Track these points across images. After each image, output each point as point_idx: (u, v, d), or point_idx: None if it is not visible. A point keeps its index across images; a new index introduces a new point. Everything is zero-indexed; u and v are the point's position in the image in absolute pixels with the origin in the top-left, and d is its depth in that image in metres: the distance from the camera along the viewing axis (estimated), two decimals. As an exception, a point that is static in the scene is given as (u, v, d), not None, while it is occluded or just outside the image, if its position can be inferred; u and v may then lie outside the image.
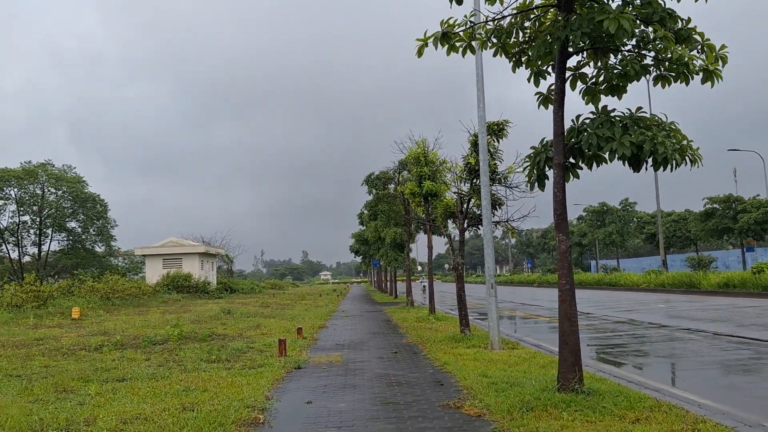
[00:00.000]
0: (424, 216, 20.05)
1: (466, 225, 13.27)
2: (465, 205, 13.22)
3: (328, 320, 20.38)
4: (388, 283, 48.24)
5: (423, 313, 20.98)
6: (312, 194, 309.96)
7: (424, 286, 35.25)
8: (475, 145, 12.85)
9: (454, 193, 13.41)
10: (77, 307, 21.31)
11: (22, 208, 48.90)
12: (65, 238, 51.31)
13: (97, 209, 49.99)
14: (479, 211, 13.41)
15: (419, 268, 79.29)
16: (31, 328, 17.50)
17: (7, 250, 50.09)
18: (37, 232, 50.26)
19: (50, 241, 50.85)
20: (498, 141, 12.94)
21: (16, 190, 48.24)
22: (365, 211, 35.81)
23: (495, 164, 12.62)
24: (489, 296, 11.56)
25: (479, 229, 13.84)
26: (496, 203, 13.08)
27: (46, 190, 49.19)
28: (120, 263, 58.06)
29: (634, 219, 75.90)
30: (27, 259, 52.24)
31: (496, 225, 13.44)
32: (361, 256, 64.18)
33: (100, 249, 52.33)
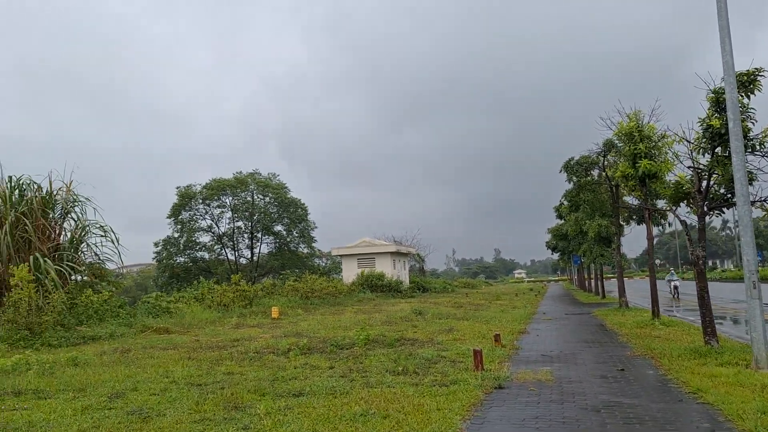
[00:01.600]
0: (639, 202, 16.98)
1: (706, 208, 10.36)
2: (704, 183, 10.34)
3: (528, 324, 18.23)
4: (592, 281, 44.16)
5: (643, 316, 17.85)
6: (503, 191, 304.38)
7: (675, 287, 30.52)
8: (717, 103, 9.95)
9: (689, 168, 10.56)
10: (276, 307, 21.76)
11: (236, 215, 53.62)
12: (273, 241, 55.28)
13: (299, 213, 53.00)
14: (722, 190, 10.44)
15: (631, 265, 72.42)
16: (232, 328, 17.97)
17: (226, 253, 55.28)
18: (250, 235, 54.78)
19: (260, 244, 55.16)
20: (748, 97, 9.91)
21: (230, 198, 53.05)
22: (564, 203, 32.66)
23: (747, 127, 9.61)
24: (750, 297, 8.69)
25: (721, 213, 10.82)
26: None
27: (255, 197, 53.38)
28: (322, 264, 61.20)
29: None
30: (243, 261, 57.23)
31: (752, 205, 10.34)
32: (558, 253, 60.13)
33: (303, 250, 55.44)
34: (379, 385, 8.06)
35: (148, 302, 20.17)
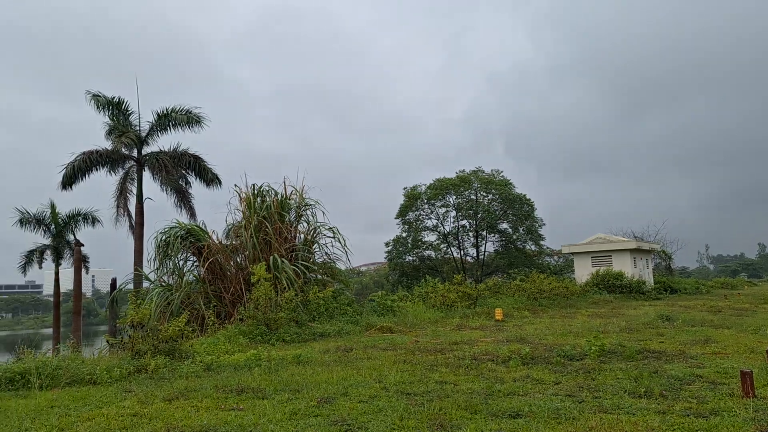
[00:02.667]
0: None
1: None
2: None
3: (816, 336, 14.53)
4: None
5: None
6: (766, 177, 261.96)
7: None
8: None
9: None
10: (500, 309, 20.74)
11: (460, 213, 53.75)
12: (498, 239, 54.20)
13: (524, 209, 51.15)
14: None
15: None
16: (454, 329, 17.41)
17: (451, 252, 55.72)
18: (475, 234, 54.47)
19: (485, 242, 54.50)
20: None
21: (454, 197, 53.32)
22: None
23: None
24: None
25: None
26: None
27: (478, 194, 52.91)
28: (553, 262, 58.44)
29: None
30: (469, 259, 57.18)
31: None
32: None
33: (530, 248, 53.43)
34: (614, 410, 6.64)
35: (374, 300, 20.70)
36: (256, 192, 20.19)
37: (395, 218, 55.65)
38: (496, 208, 52.45)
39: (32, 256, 33.70)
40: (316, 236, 21.05)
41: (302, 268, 18.60)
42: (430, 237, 55.68)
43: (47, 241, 33.68)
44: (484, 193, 52.63)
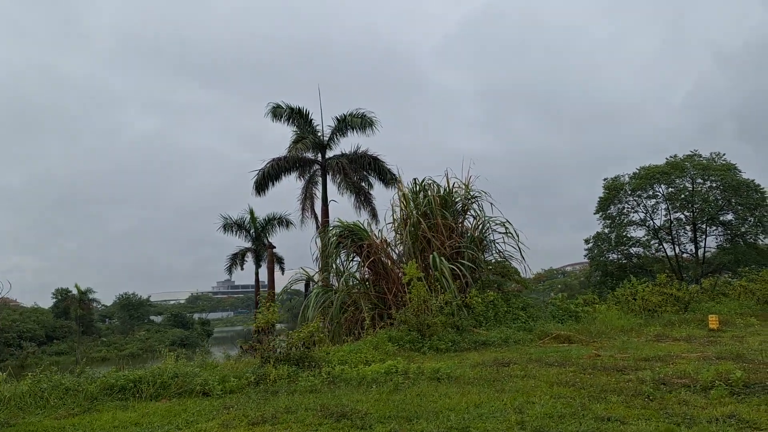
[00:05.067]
0: None
1: None
2: None
3: None
4: None
5: None
6: None
7: None
8: None
9: None
10: (715, 315, 16.93)
11: (673, 205, 47.27)
12: (721, 233, 46.61)
13: (754, 197, 43.13)
14: None
15: None
16: (651, 341, 14.37)
17: (664, 249, 49.30)
18: (692, 227, 47.53)
19: (705, 237, 47.22)
20: None
21: (664, 186, 47.03)
22: None
23: None
24: None
25: None
26: None
27: (694, 182, 46.01)
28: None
29: None
30: (686, 256, 50.17)
31: None
32: None
33: (763, 243, 45.05)
34: None
35: (554, 304, 18.19)
36: (417, 187, 19.03)
37: (594, 213, 50.92)
38: (717, 196, 45.12)
39: (236, 259, 36.62)
40: (485, 232, 19.20)
41: (467, 267, 16.91)
42: (638, 232, 49.86)
43: (248, 244, 36.33)
44: (702, 180, 45.59)
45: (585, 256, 53.18)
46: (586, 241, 51.56)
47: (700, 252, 47.83)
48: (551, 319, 16.88)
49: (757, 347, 12.34)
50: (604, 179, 50.05)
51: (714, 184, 45.00)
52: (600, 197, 49.90)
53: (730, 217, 45.65)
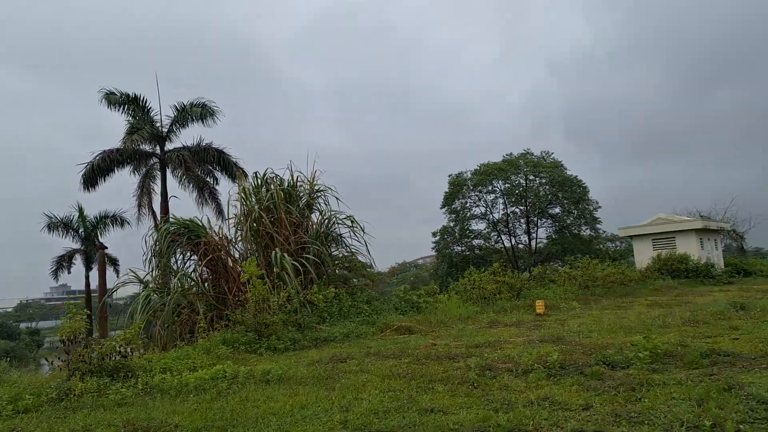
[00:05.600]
0: None
1: None
2: None
3: None
4: None
5: None
6: None
7: None
8: None
9: None
10: (542, 301, 18.18)
11: (509, 199, 50.72)
12: (551, 225, 50.94)
13: (577, 192, 47.64)
14: None
15: None
16: (484, 327, 15.02)
17: (502, 241, 52.77)
18: (526, 220, 51.37)
19: (537, 229, 51.30)
20: None
21: (501, 182, 50.31)
22: None
23: None
24: None
25: None
26: None
27: (527, 179, 49.73)
28: (613, 247, 54.69)
29: None
30: (522, 247, 54.10)
31: None
32: None
33: (586, 233, 49.91)
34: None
35: (397, 296, 18.48)
36: (259, 181, 18.33)
37: (440, 207, 53.21)
38: (546, 191, 49.18)
39: (62, 262, 33.21)
40: (331, 227, 19.01)
41: (312, 262, 16.58)
42: (479, 225, 52.96)
43: (77, 245, 33.08)
44: (533, 177, 49.42)
45: (432, 248, 55.41)
46: (434, 234, 53.70)
47: (534, 243, 51.84)
48: (394, 311, 17.09)
49: (576, 329, 13.33)
50: (449, 175, 52.46)
51: (544, 180, 48.93)
52: (445, 192, 52.20)
53: (557, 210, 49.93)
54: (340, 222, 18.94)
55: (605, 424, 5.51)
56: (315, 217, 19.25)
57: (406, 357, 10.44)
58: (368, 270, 19.60)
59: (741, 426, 5.13)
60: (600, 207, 49.45)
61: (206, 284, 16.97)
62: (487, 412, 6.13)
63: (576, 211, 48.59)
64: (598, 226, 49.40)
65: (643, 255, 35.71)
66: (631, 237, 38.25)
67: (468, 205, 52.32)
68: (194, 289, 16.44)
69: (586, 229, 49.19)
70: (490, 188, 50.23)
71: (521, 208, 51.37)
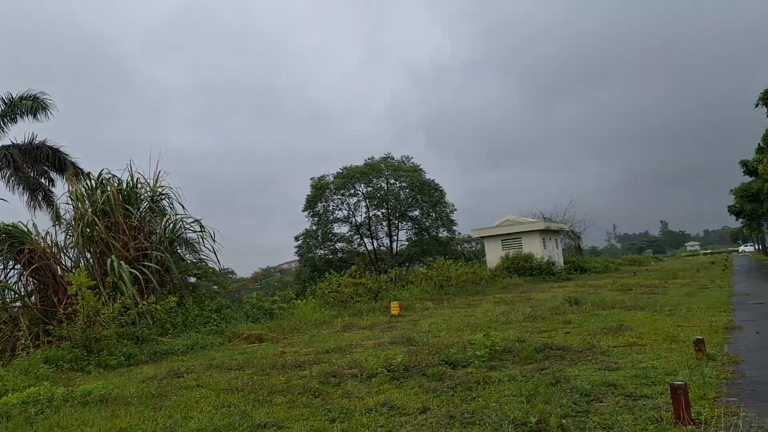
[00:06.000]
0: None
1: None
2: None
3: (733, 312, 12.99)
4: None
5: None
6: (666, 159, 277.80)
7: None
8: None
9: None
10: (397, 302, 18.38)
11: (372, 202, 51.37)
12: (410, 227, 52.29)
13: (435, 195, 49.40)
14: None
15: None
16: (339, 331, 14.82)
17: (365, 243, 53.29)
18: (387, 223, 52.29)
19: (398, 231, 52.43)
20: None
21: (363, 186, 50.81)
22: (763, 146, 25.62)
23: None
24: None
25: None
26: None
27: (388, 182, 50.69)
28: (468, 248, 57.31)
29: None
30: (384, 250, 54.98)
31: None
32: (744, 218, 50.87)
33: (443, 235, 51.86)
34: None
35: (250, 303, 17.75)
36: (95, 183, 16.72)
37: (302, 210, 52.59)
38: (406, 195, 50.46)
39: None
40: (177, 231, 17.82)
41: (154, 270, 15.39)
42: (342, 229, 53.03)
43: None
44: (394, 180, 50.48)
45: (295, 253, 54.62)
46: (296, 239, 52.97)
47: (395, 245, 52.91)
48: (245, 319, 16.36)
49: (427, 329, 13.54)
50: (311, 178, 52.03)
51: (404, 184, 50.13)
52: (308, 195, 51.70)
53: (417, 213, 51.37)
54: (188, 227, 17.81)
55: (439, 427, 5.44)
56: (158, 221, 17.92)
57: (250, 368, 9.90)
58: (219, 277, 18.64)
59: (564, 420, 5.27)
60: (456, 210, 51.68)
61: (32, 296, 15.14)
62: (323, 424, 5.84)
63: (434, 214, 50.34)
64: (455, 227, 51.55)
65: (494, 255, 37.74)
66: (483, 238, 40.26)
67: (331, 208, 52.22)
68: (18, 302, 14.58)
69: (444, 231, 51.12)
70: (352, 191, 50.49)
71: (383, 211, 52.21)
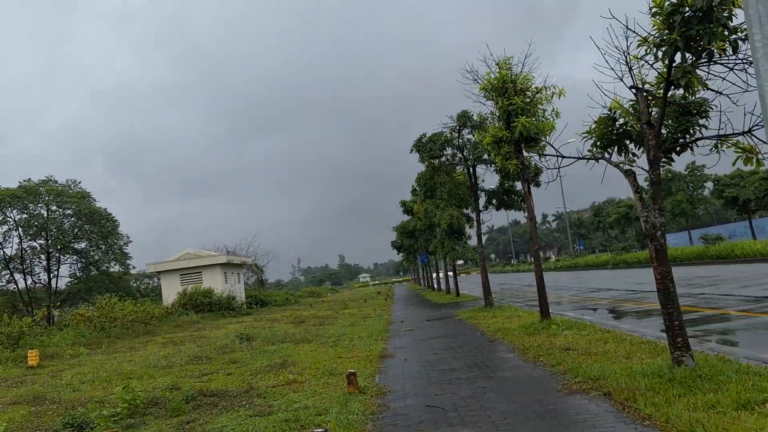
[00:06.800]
0: (515, 173, 13.67)
1: (664, 148, 6.65)
2: (658, 111, 6.64)
3: (388, 340, 13.98)
4: (441, 279, 41.98)
5: (524, 317, 14.43)
6: (345, 198, 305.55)
7: None
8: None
9: (633, 89, 6.76)
10: (35, 351, 15.38)
11: (26, 232, 43.77)
12: (75, 261, 46.08)
13: (106, 226, 44.51)
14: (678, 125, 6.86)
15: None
16: (-55, 393, 11.54)
17: (15, 281, 45.02)
18: (47, 256, 45.14)
19: (59, 265, 45.65)
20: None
21: (16, 212, 43.09)
22: (417, 188, 29.18)
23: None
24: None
25: (670, 162, 7.17)
26: (698, 109, 6.68)
27: (49, 209, 43.98)
28: (152, 283, 52.99)
29: (703, 184, 67.34)
30: (39, 286, 47.19)
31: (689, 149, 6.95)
32: (403, 252, 57.90)
33: (114, 269, 46.98)
34: None
35: None
36: None
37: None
38: (72, 224, 44.42)
39: None
40: None
41: None
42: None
43: None
44: (56, 207, 44.02)
45: None
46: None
47: (55, 281, 45.95)
48: None
49: (68, 382, 11.45)
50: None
51: (69, 212, 44.17)
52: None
53: (84, 245, 45.64)
54: None
55: None
56: None
57: None
58: None
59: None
60: (131, 241, 47.46)
61: None
62: None
63: (104, 246, 45.29)
64: (129, 261, 47.20)
65: (172, 290, 35.44)
66: (160, 273, 37.60)
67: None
68: None
69: (116, 265, 46.36)
70: (2, 218, 42.32)
71: (41, 242, 44.97)
